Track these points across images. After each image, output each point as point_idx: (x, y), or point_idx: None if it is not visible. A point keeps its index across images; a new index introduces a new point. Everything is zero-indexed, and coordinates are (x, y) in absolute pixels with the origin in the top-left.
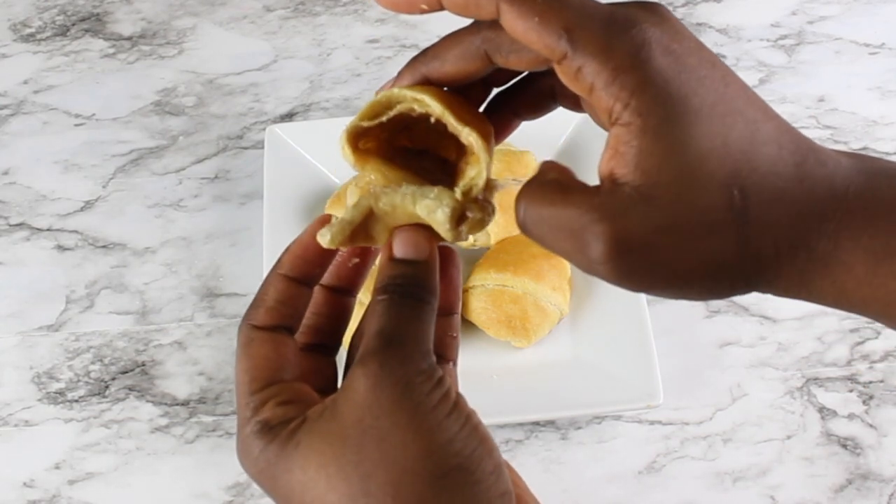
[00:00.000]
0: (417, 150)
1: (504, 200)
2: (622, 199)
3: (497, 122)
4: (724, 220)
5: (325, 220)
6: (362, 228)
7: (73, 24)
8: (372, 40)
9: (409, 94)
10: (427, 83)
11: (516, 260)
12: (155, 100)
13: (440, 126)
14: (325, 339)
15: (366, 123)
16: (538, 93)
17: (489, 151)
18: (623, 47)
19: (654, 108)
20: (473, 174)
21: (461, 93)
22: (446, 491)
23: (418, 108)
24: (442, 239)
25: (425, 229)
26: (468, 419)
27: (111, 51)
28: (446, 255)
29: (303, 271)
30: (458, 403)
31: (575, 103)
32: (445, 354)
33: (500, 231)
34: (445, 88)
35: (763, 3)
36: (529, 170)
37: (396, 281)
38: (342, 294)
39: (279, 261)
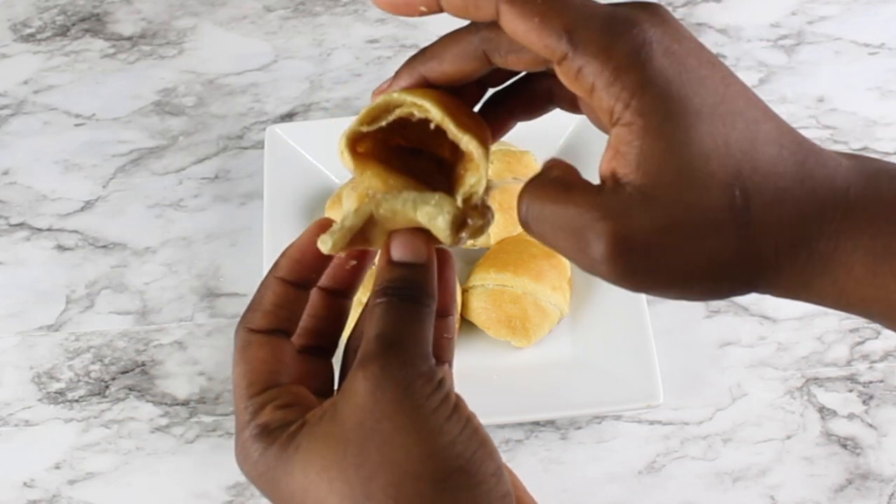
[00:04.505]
0: (412, 148)
1: (504, 200)
2: (624, 198)
3: (493, 123)
4: (725, 219)
5: (325, 225)
6: (360, 232)
7: (74, 24)
8: (372, 40)
9: (409, 98)
10: (425, 83)
11: (516, 260)
12: (155, 100)
13: (438, 128)
14: (322, 342)
15: (365, 129)
16: (535, 94)
17: (487, 157)
18: (624, 47)
19: (655, 108)
20: (473, 181)
21: (457, 92)
22: (448, 493)
23: (418, 114)
24: (439, 242)
25: (423, 233)
26: (468, 421)
27: (111, 51)
28: (442, 257)
29: (300, 275)
30: (459, 406)
31: (572, 104)
32: (441, 356)
33: (500, 231)
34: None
35: (763, 3)
36: (529, 170)
37: (395, 284)
38: (339, 297)
39: (276, 264)
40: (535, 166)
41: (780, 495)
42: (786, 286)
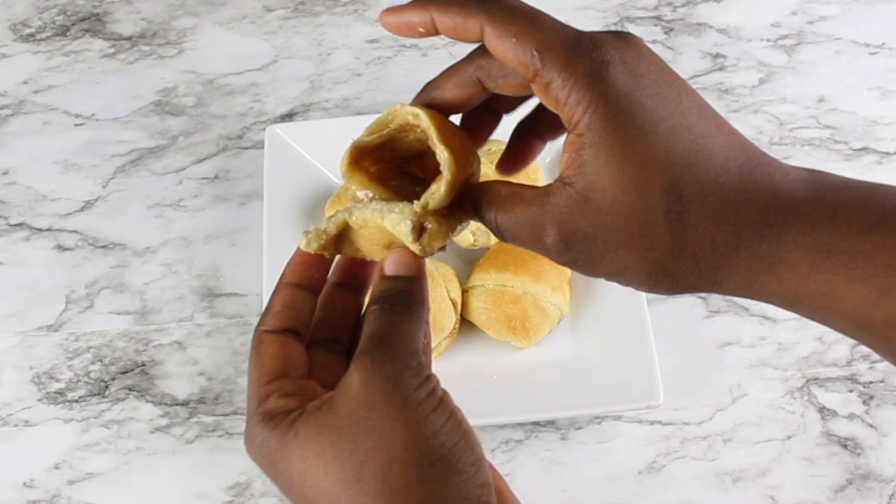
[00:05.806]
0: (420, 178)
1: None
2: (567, 199)
3: (525, 146)
4: (659, 222)
5: None
6: (347, 239)
7: (73, 24)
8: (372, 40)
9: (409, 108)
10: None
11: (516, 260)
12: (155, 100)
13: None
14: (337, 335)
15: (367, 138)
16: (554, 115)
17: (455, 176)
18: (584, 66)
19: (602, 123)
20: (434, 189)
21: (473, 121)
22: (430, 479)
23: (412, 120)
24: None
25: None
26: (452, 414)
27: (111, 51)
28: None
29: (303, 277)
30: (444, 400)
31: None
32: None
33: None
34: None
35: (763, 3)
36: (529, 172)
37: (387, 293)
38: (352, 291)
39: (283, 272)
40: (535, 167)
41: (781, 495)
42: (731, 286)
